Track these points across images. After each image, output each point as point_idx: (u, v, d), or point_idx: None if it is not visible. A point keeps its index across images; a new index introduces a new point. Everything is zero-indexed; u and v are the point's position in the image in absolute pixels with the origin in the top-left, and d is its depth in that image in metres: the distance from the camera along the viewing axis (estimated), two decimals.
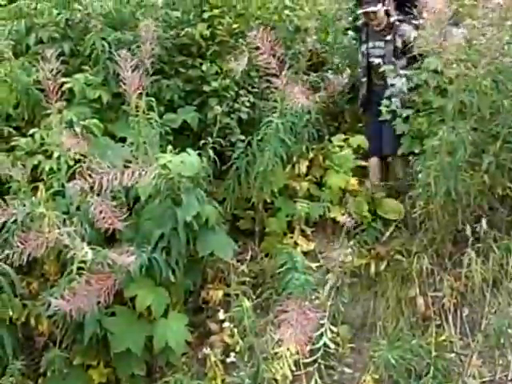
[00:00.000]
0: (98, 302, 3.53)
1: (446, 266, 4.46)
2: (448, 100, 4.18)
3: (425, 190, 4.29)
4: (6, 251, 3.63)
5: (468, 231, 4.32)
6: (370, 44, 5.18)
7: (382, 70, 4.97)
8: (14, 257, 3.55)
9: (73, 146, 3.80)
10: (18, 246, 3.54)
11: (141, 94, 4.17)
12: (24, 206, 3.85)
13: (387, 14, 5.12)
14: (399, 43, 5.03)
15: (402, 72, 4.95)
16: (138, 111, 4.15)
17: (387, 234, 4.73)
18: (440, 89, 4.43)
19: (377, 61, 5.07)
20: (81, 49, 4.81)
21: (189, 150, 4.10)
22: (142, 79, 4.10)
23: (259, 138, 4.58)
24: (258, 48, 4.31)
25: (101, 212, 3.41)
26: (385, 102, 4.90)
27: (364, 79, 5.22)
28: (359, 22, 5.38)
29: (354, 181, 4.95)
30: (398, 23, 5.05)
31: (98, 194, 3.58)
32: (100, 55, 4.73)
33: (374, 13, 5.05)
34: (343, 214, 4.52)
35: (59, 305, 3.42)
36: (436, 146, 4.21)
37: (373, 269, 4.52)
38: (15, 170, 3.98)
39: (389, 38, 5.07)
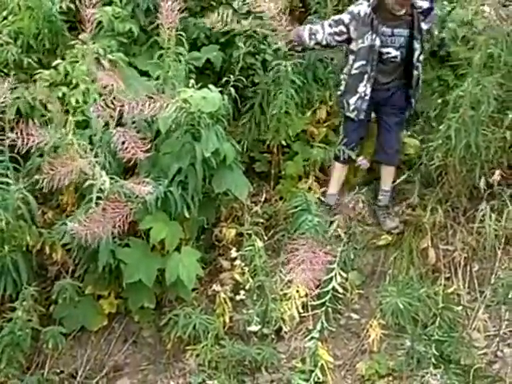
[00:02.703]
0: (119, 231, 3.56)
1: (460, 221, 4.48)
2: (475, 51, 4.12)
3: (444, 142, 4.26)
4: (36, 176, 3.67)
5: (484, 186, 4.31)
6: (387, 30, 4.36)
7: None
8: (44, 183, 3.58)
9: (105, 80, 3.74)
10: (47, 173, 3.56)
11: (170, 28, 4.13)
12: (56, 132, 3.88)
13: None
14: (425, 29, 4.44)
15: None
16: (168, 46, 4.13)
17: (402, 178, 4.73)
18: (468, 41, 4.36)
19: (394, 53, 4.39)
20: None
21: (211, 86, 4.08)
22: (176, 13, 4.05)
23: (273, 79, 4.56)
24: None
25: (123, 142, 3.39)
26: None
27: (363, 85, 4.41)
28: (364, 6, 4.37)
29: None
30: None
31: (120, 125, 3.59)
32: None
33: None
34: (358, 156, 4.48)
35: (75, 229, 3.45)
36: (459, 98, 4.16)
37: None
38: (47, 98, 3.99)
39: (425, 26, 4.41)
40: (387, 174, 4.65)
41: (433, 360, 3.81)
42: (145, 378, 4.18)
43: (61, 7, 4.46)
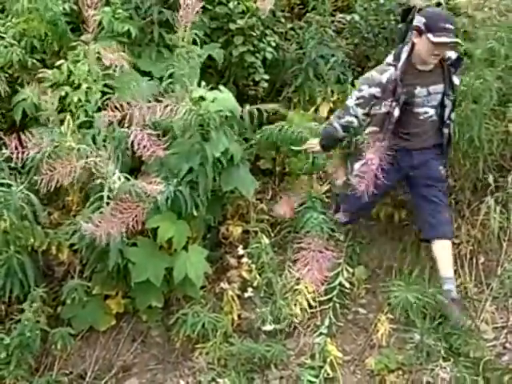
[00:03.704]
0: (126, 231, 3.56)
1: (464, 214, 4.49)
2: (477, 46, 4.15)
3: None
4: (35, 177, 3.65)
5: (489, 179, 4.34)
6: (422, 90, 3.87)
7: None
8: (42, 183, 3.56)
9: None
10: (45, 173, 3.55)
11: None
12: (52, 135, 3.86)
13: None
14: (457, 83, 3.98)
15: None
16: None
17: None
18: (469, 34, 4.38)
19: (431, 112, 3.94)
20: None
21: (221, 87, 4.09)
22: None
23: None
24: None
25: (141, 141, 3.38)
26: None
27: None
28: (391, 71, 3.85)
29: None
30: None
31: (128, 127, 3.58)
32: None
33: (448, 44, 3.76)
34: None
35: (89, 229, 3.45)
36: (461, 92, 4.18)
37: (396, 217, 4.52)
38: (45, 99, 3.98)
39: (457, 79, 3.98)
40: (445, 253, 4.02)
41: (442, 353, 3.83)
42: (154, 378, 4.17)
43: (64, 8, 4.46)
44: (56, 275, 4.41)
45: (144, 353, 4.27)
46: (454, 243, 4.28)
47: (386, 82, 3.85)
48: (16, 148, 3.54)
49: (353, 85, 4.93)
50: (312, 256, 3.64)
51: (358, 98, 3.93)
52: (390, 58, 3.93)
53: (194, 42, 4.33)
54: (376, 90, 3.88)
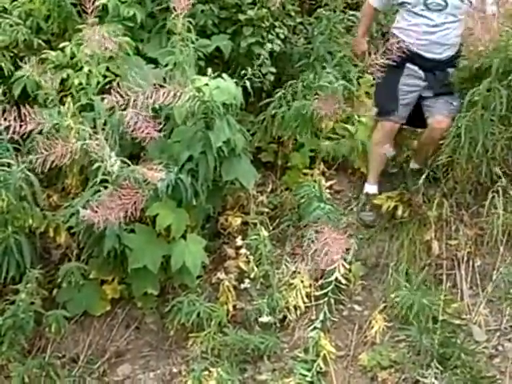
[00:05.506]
0: (125, 217, 3.52)
1: (463, 216, 4.50)
2: (495, 55, 4.11)
3: (453, 139, 4.26)
4: (30, 156, 3.63)
5: (489, 184, 4.35)
6: None
7: None
8: (37, 163, 3.52)
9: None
10: (42, 153, 3.51)
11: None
12: (51, 115, 3.84)
13: None
14: None
15: None
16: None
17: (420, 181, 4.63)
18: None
19: None
20: None
21: (224, 75, 4.08)
22: None
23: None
24: None
25: (136, 122, 3.37)
26: None
27: None
28: None
29: None
30: None
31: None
32: None
33: None
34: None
35: (87, 215, 3.43)
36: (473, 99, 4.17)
37: (399, 212, 4.52)
38: (45, 79, 3.95)
39: None
40: None
41: (435, 352, 3.84)
42: (147, 364, 4.17)
43: None
44: (53, 258, 4.41)
45: (138, 339, 4.27)
46: (451, 245, 4.33)
47: None
48: (14, 120, 3.49)
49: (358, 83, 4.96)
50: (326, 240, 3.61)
51: None
52: None
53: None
54: None
